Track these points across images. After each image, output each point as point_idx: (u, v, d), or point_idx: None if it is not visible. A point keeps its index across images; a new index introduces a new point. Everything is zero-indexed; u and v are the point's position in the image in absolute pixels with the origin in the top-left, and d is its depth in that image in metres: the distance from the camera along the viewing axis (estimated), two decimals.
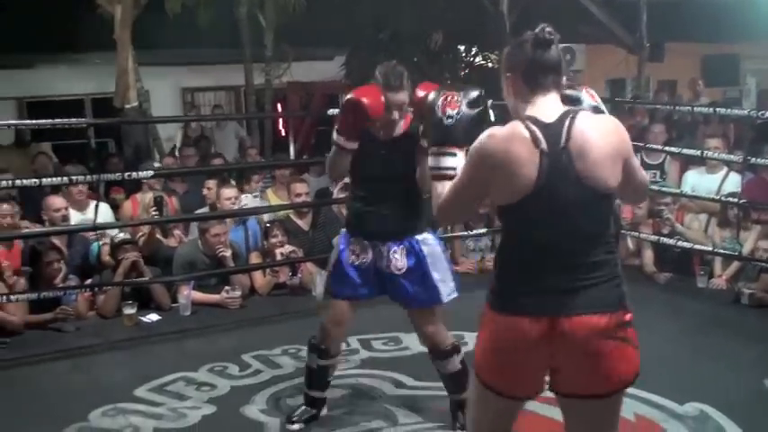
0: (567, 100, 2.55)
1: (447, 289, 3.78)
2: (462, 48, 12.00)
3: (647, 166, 7.33)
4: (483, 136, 2.44)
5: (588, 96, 2.66)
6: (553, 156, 2.35)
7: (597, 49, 13.61)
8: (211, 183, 7.07)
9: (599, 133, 2.41)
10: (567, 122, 2.39)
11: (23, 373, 5.02)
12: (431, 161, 2.69)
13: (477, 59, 12.44)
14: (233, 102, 13.75)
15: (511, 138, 2.38)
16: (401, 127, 3.74)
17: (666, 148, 6.98)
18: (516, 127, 2.40)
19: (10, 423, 4.27)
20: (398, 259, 3.75)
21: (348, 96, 3.58)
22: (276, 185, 7.73)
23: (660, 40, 12.80)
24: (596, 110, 2.61)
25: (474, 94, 2.70)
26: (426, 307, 3.81)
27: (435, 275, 3.76)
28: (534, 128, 2.37)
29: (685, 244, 6.43)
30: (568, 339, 2.37)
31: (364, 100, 3.53)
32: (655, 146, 7.02)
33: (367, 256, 3.82)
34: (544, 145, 2.35)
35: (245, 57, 11.64)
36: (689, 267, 6.65)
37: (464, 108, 2.67)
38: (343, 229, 3.97)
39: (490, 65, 12.30)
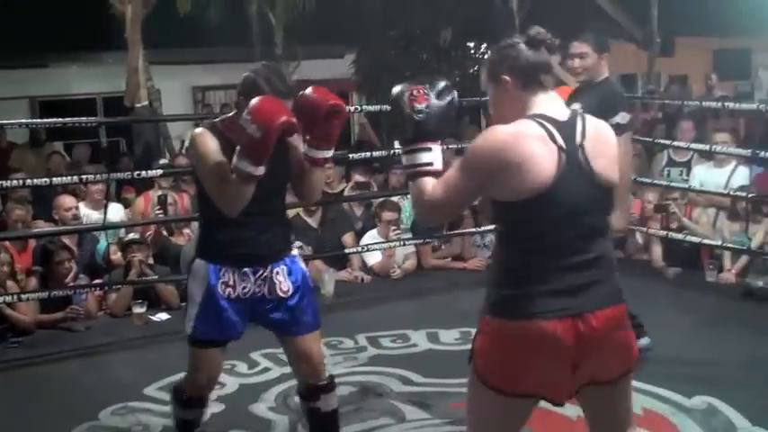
0: None
1: (317, 312, 3.46)
2: (471, 44, 11.98)
3: (674, 164, 7.33)
4: (487, 133, 2.40)
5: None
6: (570, 153, 2.35)
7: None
8: None
9: (607, 133, 2.50)
10: (579, 121, 2.42)
11: (34, 372, 5.06)
12: (404, 159, 2.55)
13: (486, 55, 12.43)
14: None
15: (524, 134, 2.34)
16: None
17: (693, 146, 6.92)
18: (528, 123, 2.37)
19: (21, 421, 4.30)
20: (282, 281, 3.31)
21: (264, 115, 2.91)
22: None
23: (670, 35, 12.79)
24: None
25: (441, 84, 2.56)
26: (314, 330, 3.42)
27: (313, 294, 3.46)
28: (548, 125, 2.36)
29: (694, 238, 6.41)
30: (593, 335, 2.37)
31: (289, 118, 2.97)
32: (682, 143, 6.96)
33: (247, 285, 3.29)
34: (561, 141, 2.35)
35: (255, 55, 11.67)
36: (698, 262, 6.63)
37: (433, 101, 2.51)
38: (198, 261, 3.32)
39: None
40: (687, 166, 7.24)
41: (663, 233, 6.57)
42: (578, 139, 2.38)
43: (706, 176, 6.88)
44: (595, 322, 2.37)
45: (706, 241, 6.41)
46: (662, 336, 5.16)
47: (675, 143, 7.02)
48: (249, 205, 3.08)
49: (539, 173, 2.31)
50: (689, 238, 6.43)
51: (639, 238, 7.08)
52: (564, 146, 2.34)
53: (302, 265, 3.42)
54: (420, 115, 2.50)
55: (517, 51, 2.48)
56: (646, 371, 4.45)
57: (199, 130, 3.20)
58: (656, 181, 6.98)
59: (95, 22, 9.86)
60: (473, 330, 4.47)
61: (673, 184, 6.87)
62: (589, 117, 2.48)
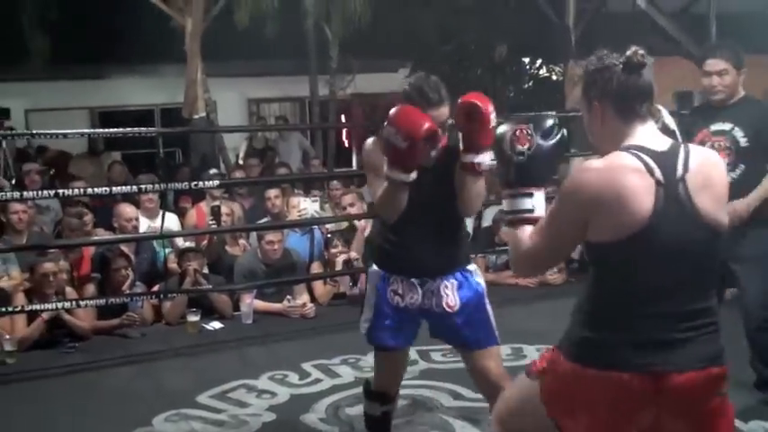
0: (663, 130, 2.35)
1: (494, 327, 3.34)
2: (527, 60, 11.97)
3: None
4: (578, 169, 2.19)
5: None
6: (670, 187, 2.10)
7: (665, 61, 13.42)
8: (273, 192, 7.15)
9: (718, 168, 2.21)
10: (681, 152, 2.16)
11: (90, 378, 5.14)
12: (505, 205, 2.38)
13: (542, 72, 12.40)
14: (298, 113, 13.92)
15: (617, 167, 2.11)
16: (439, 147, 3.16)
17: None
18: (622, 156, 2.14)
19: (76, 425, 4.38)
20: (449, 296, 3.28)
21: (409, 122, 2.95)
22: (332, 201, 7.80)
23: None
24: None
25: (548, 123, 2.35)
26: (487, 346, 3.30)
27: (489, 310, 3.34)
28: (645, 156, 2.12)
29: None
30: (677, 397, 2.12)
31: (431, 125, 2.96)
32: None
33: (415, 296, 3.29)
34: (659, 175, 2.10)
35: (310, 68, 11.79)
36: None
37: (537, 141, 2.30)
38: (373, 266, 3.41)
39: (554, 77, 12.24)
40: None
41: None
42: (680, 171, 2.12)
43: None
44: (680, 382, 2.11)
45: None
46: None
47: None
48: (411, 214, 3.12)
49: (635, 210, 2.07)
50: None
51: None
52: (662, 179, 2.10)
53: (479, 279, 3.36)
54: (521, 157, 2.30)
55: (611, 74, 2.22)
56: None
57: (368, 140, 3.35)
58: None
59: (154, 34, 10.03)
60: (524, 347, 4.49)
61: None
62: (694, 147, 2.21)
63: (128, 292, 5.90)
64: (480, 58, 11.35)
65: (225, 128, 11.50)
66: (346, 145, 13.08)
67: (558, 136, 2.34)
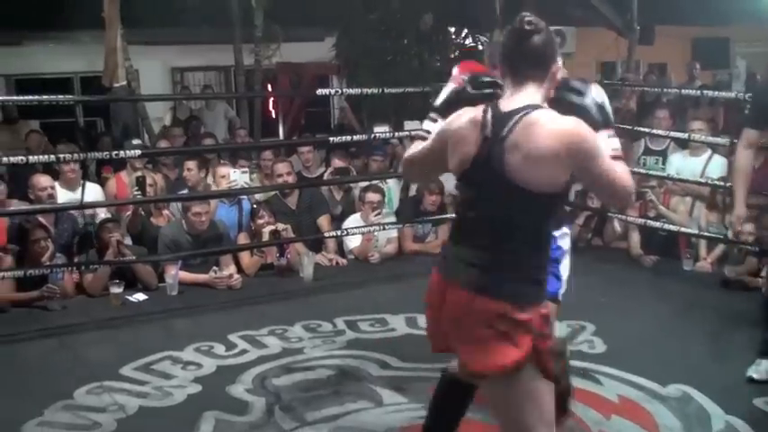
0: (568, 89, 2.60)
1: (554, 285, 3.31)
2: (452, 29, 11.96)
3: (650, 152, 7.35)
4: (454, 113, 2.68)
5: (596, 93, 2.62)
6: (493, 143, 2.46)
7: (587, 32, 13.60)
8: (191, 163, 7.02)
9: (545, 133, 2.40)
10: (519, 115, 2.45)
11: (9, 351, 5.02)
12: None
13: (468, 41, 12.41)
14: (223, 82, 13.70)
15: (468, 119, 2.56)
16: None
17: (671, 134, 6.93)
18: (477, 111, 2.56)
19: None
20: None
21: None
22: (261, 172, 7.70)
23: (650, 23, 12.81)
24: (600, 108, 2.60)
25: (481, 79, 2.84)
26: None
27: (561, 270, 3.41)
28: (489, 116, 2.51)
29: (671, 227, 6.45)
30: (450, 306, 2.57)
31: None
32: (659, 131, 6.97)
33: None
34: (489, 132, 2.48)
35: (235, 37, 11.59)
36: (675, 250, 6.67)
37: (464, 86, 2.84)
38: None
39: (480, 47, 12.28)
40: (663, 154, 7.27)
41: (641, 221, 6.61)
42: (505, 131, 2.45)
43: (682, 165, 6.91)
44: (453, 297, 2.56)
45: (683, 230, 6.44)
46: (638, 324, 5.22)
47: (652, 131, 7.04)
48: None
49: (464, 154, 2.54)
50: (666, 226, 6.47)
51: (618, 226, 7.11)
52: (489, 136, 2.48)
53: (561, 242, 3.39)
54: (445, 93, 2.89)
55: (505, 39, 2.58)
56: (621, 358, 4.51)
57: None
58: (634, 169, 7.00)
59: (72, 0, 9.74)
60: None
61: (651, 172, 6.89)
62: (540, 113, 2.44)
63: (48, 263, 5.75)
64: (407, 27, 11.27)
65: (146, 96, 11.22)
66: (273, 115, 12.93)
67: (482, 91, 2.79)
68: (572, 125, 2.43)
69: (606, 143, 2.53)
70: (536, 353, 2.49)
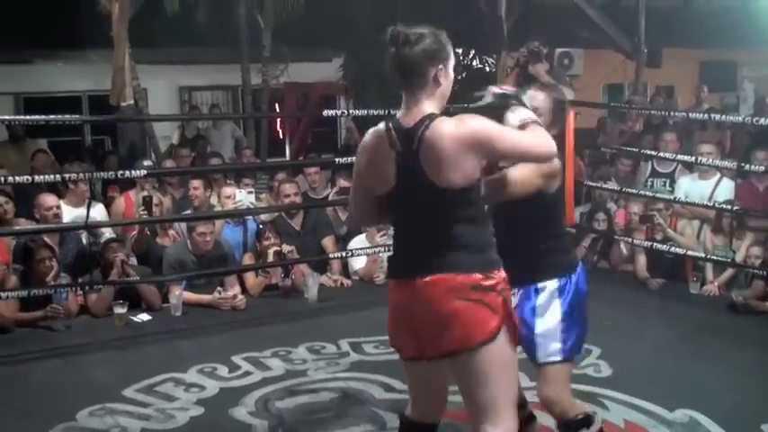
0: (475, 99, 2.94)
1: (548, 348, 3.18)
2: (460, 51, 11.99)
3: (657, 175, 7.33)
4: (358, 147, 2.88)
5: (495, 88, 2.98)
6: (406, 157, 2.64)
7: (595, 53, 13.61)
8: (196, 183, 7.00)
9: (447, 139, 2.59)
10: (420, 130, 2.61)
11: (12, 371, 5.01)
12: None
13: (475, 63, 12.44)
14: (230, 101, 13.76)
15: (374, 146, 2.75)
16: None
17: (678, 157, 6.90)
18: (380, 135, 2.74)
19: None
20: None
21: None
22: (272, 193, 7.69)
23: (658, 46, 12.83)
24: (500, 96, 2.91)
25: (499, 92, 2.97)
26: (545, 362, 3.20)
27: (538, 329, 3.19)
28: (393, 134, 2.69)
29: (678, 250, 6.42)
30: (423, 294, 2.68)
31: None
32: (666, 154, 6.94)
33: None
34: (399, 148, 2.66)
35: (242, 57, 11.64)
36: (682, 273, 6.64)
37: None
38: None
39: (487, 69, 12.30)
40: (671, 177, 7.25)
41: (647, 244, 6.57)
42: (415, 144, 2.62)
43: (690, 188, 6.89)
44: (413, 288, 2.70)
45: (690, 253, 6.41)
46: (645, 347, 5.17)
47: (661, 154, 7.02)
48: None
49: (386, 173, 2.71)
50: (673, 249, 6.44)
51: (624, 249, 7.08)
52: (402, 151, 2.66)
53: (547, 295, 3.20)
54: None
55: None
56: (627, 382, 4.47)
57: None
58: (641, 192, 6.99)
59: (82, 19, 9.79)
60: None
61: (658, 195, 6.86)
62: (438, 121, 2.62)
63: (52, 283, 5.74)
64: None
65: (153, 116, 11.27)
66: (279, 134, 12.96)
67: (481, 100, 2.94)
68: (464, 124, 2.61)
69: (512, 117, 2.82)
70: (507, 315, 2.69)
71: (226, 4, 11.27)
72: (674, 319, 5.82)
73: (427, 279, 2.65)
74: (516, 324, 2.77)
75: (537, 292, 3.20)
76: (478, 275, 2.64)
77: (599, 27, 12.58)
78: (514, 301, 3.08)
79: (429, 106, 2.67)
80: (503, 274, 2.72)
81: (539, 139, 2.74)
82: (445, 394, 2.95)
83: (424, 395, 2.94)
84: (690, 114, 7.75)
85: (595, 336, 5.16)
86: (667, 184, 7.22)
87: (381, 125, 2.75)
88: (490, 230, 2.77)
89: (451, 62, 2.74)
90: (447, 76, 2.72)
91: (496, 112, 2.86)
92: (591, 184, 7.55)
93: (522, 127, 2.78)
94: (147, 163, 7.61)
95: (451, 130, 2.59)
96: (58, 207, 6.32)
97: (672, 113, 8.52)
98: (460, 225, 2.67)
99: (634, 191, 6.97)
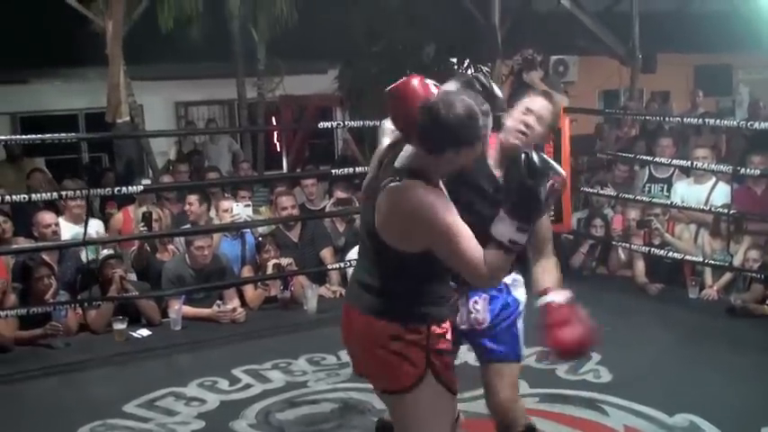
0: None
1: (522, 346, 3.20)
2: (454, 60, 12.03)
3: (655, 180, 7.34)
4: None
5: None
6: (376, 191, 2.62)
7: (590, 60, 13.65)
8: (192, 198, 7.00)
9: (387, 204, 2.54)
10: (392, 176, 2.55)
11: (12, 390, 5.00)
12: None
13: (470, 72, 12.46)
14: (226, 116, 13.80)
15: (384, 151, 2.80)
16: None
17: (673, 162, 6.91)
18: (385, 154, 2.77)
19: None
20: (479, 311, 3.12)
21: None
22: (271, 205, 7.70)
23: (653, 51, 12.86)
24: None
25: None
26: (504, 361, 3.15)
27: (519, 326, 3.19)
28: (385, 161, 2.72)
29: (676, 255, 6.42)
30: (355, 329, 2.72)
31: None
32: (662, 159, 6.95)
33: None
34: (378, 174, 2.68)
35: (238, 71, 11.68)
36: (680, 278, 6.64)
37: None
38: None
39: (482, 77, 12.32)
40: (668, 182, 7.25)
41: (645, 249, 6.58)
42: (383, 185, 2.57)
43: (686, 192, 6.89)
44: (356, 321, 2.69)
45: (688, 257, 6.42)
46: (644, 352, 5.18)
47: (657, 159, 7.04)
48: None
49: (367, 180, 2.80)
50: (671, 254, 6.44)
51: (622, 254, 7.09)
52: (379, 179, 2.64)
53: (516, 293, 3.19)
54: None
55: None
56: (627, 388, 4.47)
57: None
58: (638, 197, 7.01)
59: (77, 37, 9.82)
60: None
61: (655, 200, 6.87)
62: (391, 185, 2.52)
63: (51, 300, 5.74)
64: (409, 58, 11.34)
65: (150, 132, 11.30)
66: (276, 147, 12.99)
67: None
68: (415, 205, 2.47)
69: (500, 231, 2.47)
70: (433, 369, 2.63)
71: (220, 19, 11.31)
72: (674, 323, 5.82)
73: (358, 315, 2.70)
74: (452, 379, 2.70)
75: (508, 287, 3.15)
76: (400, 328, 2.60)
77: (593, 34, 12.61)
78: (476, 307, 3.10)
79: (419, 163, 2.53)
80: (439, 330, 2.66)
81: (473, 263, 2.48)
82: None
83: None
84: (684, 119, 7.76)
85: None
86: (665, 190, 7.23)
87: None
88: (438, 286, 2.68)
89: (476, 145, 2.51)
90: (459, 156, 2.52)
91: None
92: (588, 190, 7.56)
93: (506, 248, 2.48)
94: (145, 182, 7.61)
95: (402, 199, 2.50)
96: (57, 225, 6.32)
97: (667, 119, 8.54)
98: (400, 276, 2.63)
99: (631, 196, 6.98)
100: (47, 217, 6.29)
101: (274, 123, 12.97)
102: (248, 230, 7.00)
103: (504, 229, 2.46)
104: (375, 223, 2.59)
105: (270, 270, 6.45)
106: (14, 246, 6.14)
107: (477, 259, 2.46)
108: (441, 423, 2.74)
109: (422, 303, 2.65)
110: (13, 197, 5.56)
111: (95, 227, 6.75)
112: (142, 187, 6.27)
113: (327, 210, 7.61)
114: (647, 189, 7.34)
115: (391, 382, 2.66)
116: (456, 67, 12.02)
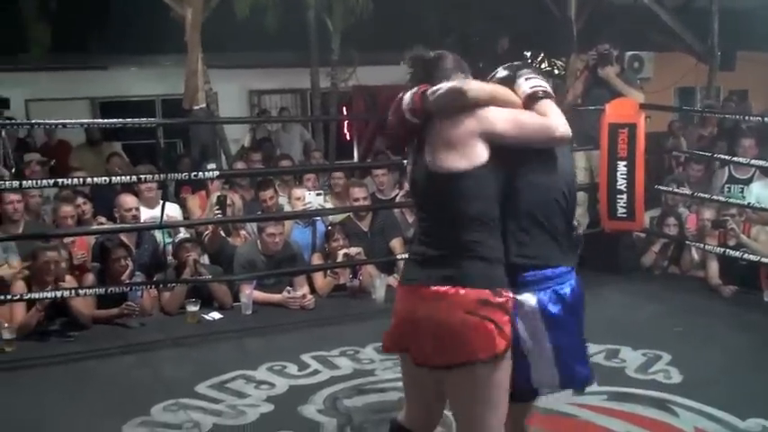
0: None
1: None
2: (529, 53, 11.95)
3: (734, 180, 7.21)
4: None
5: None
6: (418, 145, 2.74)
7: (666, 56, 13.41)
8: (267, 194, 7.01)
9: (443, 126, 2.64)
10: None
11: (89, 367, 5.14)
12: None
13: (544, 65, 12.38)
14: (299, 105, 13.90)
15: None
16: None
17: (753, 162, 6.76)
18: None
19: (75, 415, 4.37)
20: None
21: None
22: (332, 194, 7.76)
23: (732, 49, 12.58)
24: (511, 67, 2.88)
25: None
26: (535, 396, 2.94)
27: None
28: None
29: (752, 256, 6.30)
30: (427, 302, 2.59)
31: None
32: (743, 160, 6.82)
33: None
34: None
35: (311, 60, 11.76)
36: (756, 281, 6.49)
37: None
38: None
39: (556, 71, 12.22)
40: (748, 183, 7.12)
41: (720, 250, 6.45)
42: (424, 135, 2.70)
43: (763, 193, 6.75)
44: (426, 293, 2.59)
45: (764, 260, 6.28)
46: (716, 354, 5.09)
47: (735, 159, 6.90)
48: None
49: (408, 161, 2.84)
50: (747, 256, 6.31)
51: (696, 255, 6.96)
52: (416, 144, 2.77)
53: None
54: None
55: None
56: (698, 389, 4.41)
57: None
58: (713, 196, 6.88)
59: (155, 24, 10.00)
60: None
61: (731, 200, 6.74)
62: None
63: (127, 281, 5.89)
64: (483, 50, 11.29)
65: (225, 119, 11.46)
66: (347, 137, 13.06)
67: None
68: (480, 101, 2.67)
69: (524, 84, 2.72)
70: (510, 337, 2.59)
71: (295, 8, 11.40)
72: (747, 326, 5.70)
73: (434, 290, 2.57)
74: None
75: (559, 295, 2.70)
76: (488, 291, 2.55)
77: (670, 29, 12.39)
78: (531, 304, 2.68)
79: None
80: (511, 294, 2.61)
81: (544, 121, 2.62)
82: (441, 407, 2.90)
83: (421, 403, 2.90)
84: (765, 119, 7.58)
85: (665, 341, 5.15)
86: (744, 191, 7.10)
87: None
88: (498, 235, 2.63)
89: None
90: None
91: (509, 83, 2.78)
92: (662, 188, 7.45)
93: (532, 96, 2.67)
94: (211, 166, 7.72)
95: (446, 119, 2.67)
96: (137, 209, 6.48)
97: (747, 118, 8.35)
98: (472, 226, 2.58)
99: (706, 195, 6.86)
100: (129, 200, 6.44)
101: (346, 113, 13.03)
102: (319, 218, 7.07)
103: (524, 86, 2.71)
104: (441, 161, 2.60)
105: (340, 258, 6.51)
106: (95, 226, 6.31)
107: (540, 119, 2.63)
108: (507, 398, 2.65)
109: (492, 261, 2.59)
110: (94, 179, 5.69)
111: (173, 210, 6.89)
112: (217, 173, 6.38)
113: (398, 200, 7.64)
114: (726, 189, 7.21)
115: (482, 350, 2.51)
116: (530, 60, 11.96)
